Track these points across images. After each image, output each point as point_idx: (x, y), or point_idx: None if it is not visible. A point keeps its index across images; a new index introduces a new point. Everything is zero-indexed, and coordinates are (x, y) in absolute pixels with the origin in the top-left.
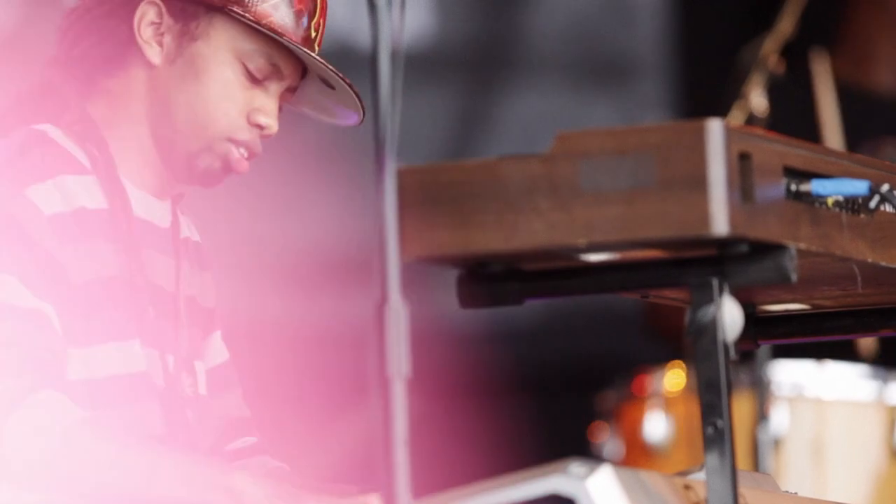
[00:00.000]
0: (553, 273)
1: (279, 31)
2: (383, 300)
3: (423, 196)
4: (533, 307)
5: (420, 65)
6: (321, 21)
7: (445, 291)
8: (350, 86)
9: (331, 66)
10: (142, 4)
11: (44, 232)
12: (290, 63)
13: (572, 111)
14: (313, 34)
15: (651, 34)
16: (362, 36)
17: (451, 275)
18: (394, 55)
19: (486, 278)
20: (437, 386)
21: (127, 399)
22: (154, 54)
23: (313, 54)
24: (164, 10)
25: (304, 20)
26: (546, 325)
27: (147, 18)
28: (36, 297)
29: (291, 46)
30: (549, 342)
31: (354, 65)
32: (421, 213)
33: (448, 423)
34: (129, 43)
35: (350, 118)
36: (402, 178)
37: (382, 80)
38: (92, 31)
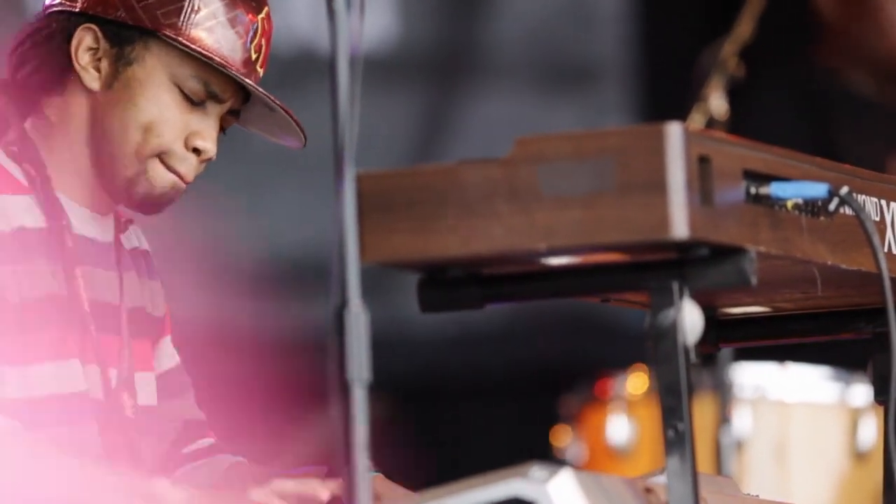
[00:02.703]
0: (513, 277)
1: (212, 54)
2: (343, 305)
3: (383, 201)
4: (494, 311)
5: (382, 69)
6: (263, 41)
7: (406, 295)
8: (287, 111)
9: (263, 91)
10: (78, 30)
11: None
12: (228, 86)
13: (534, 116)
14: (254, 55)
15: (612, 39)
16: (324, 41)
17: (412, 279)
18: (352, 60)
19: (446, 282)
20: (398, 390)
21: (66, 419)
22: (92, 80)
23: (247, 80)
24: (100, 34)
25: (244, 42)
26: (508, 328)
27: (84, 44)
28: None
29: (226, 71)
30: (510, 346)
31: (316, 70)
32: (381, 217)
33: (409, 427)
34: (69, 68)
35: (293, 141)
36: (362, 182)
37: (341, 85)
38: (32, 56)
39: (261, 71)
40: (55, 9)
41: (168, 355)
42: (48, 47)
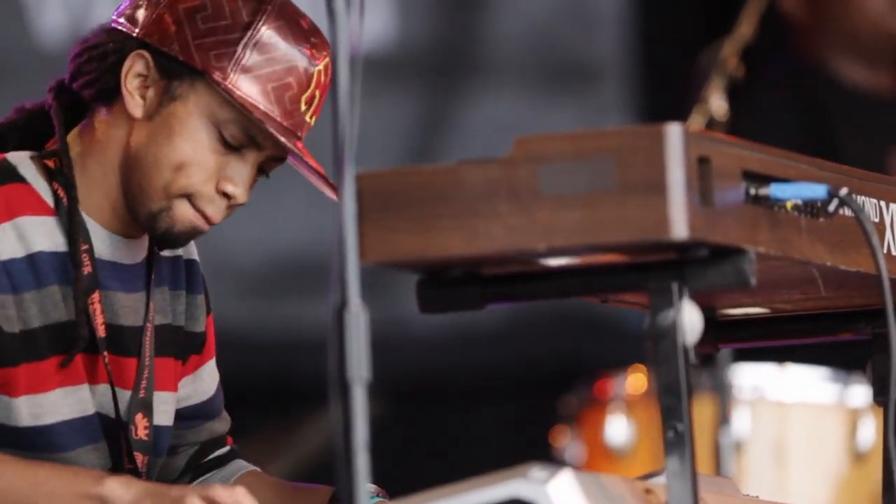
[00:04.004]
0: (513, 277)
1: (256, 103)
2: (343, 304)
3: (384, 200)
4: (494, 311)
5: (382, 69)
6: (318, 93)
7: (405, 295)
8: (321, 173)
9: (297, 150)
10: (132, 55)
11: None
12: (270, 135)
13: (533, 116)
14: (303, 108)
15: (611, 39)
16: None
17: (412, 279)
18: (352, 60)
19: (446, 283)
20: (397, 390)
21: (75, 444)
22: (136, 107)
23: (284, 136)
24: (152, 63)
25: (294, 93)
26: (507, 328)
27: (135, 69)
28: None
29: (262, 126)
30: (510, 346)
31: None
32: (381, 217)
33: (408, 427)
34: (117, 90)
35: (331, 192)
36: (362, 182)
37: (341, 84)
38: (87, 69)
39: (310, 121)
40: (117, 26)
41: (211, 379)
42: (102, 65)
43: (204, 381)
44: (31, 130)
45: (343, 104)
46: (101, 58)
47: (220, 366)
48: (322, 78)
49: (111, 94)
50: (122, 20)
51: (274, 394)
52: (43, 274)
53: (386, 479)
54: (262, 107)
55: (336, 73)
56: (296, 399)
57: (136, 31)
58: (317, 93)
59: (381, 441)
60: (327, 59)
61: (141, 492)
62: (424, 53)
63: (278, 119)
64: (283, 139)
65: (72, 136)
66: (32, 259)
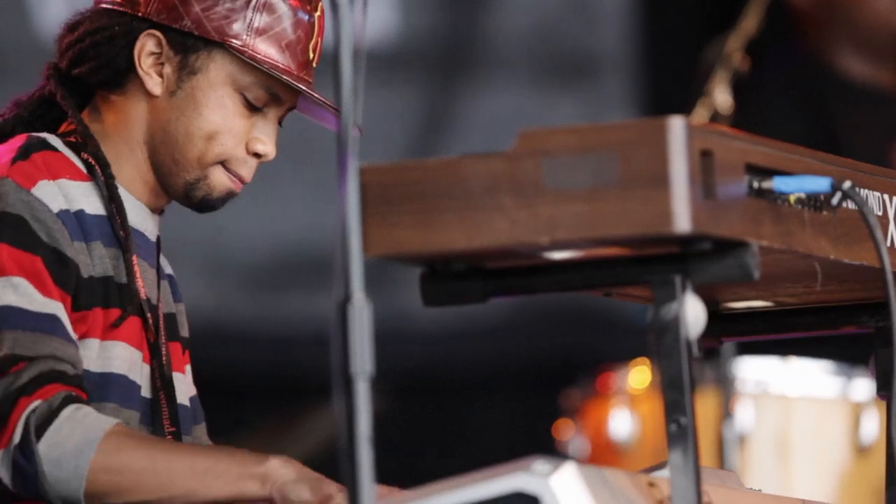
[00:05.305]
0: (516, 271)
1: (277, 62)
2: (346, 298)
3: (387, 194)
4: (497, 305)
5: (384, 63)
6: (319, 40)
7: (409, 289)
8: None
9: (321, 97)
10: (142, 35)
11: (54, 228)
12: (290, 90)
13: (536, 110)
14: (311, 56)
15: (615, 32)
16: (328, 34)
17: (415, 272)
18: (356, 54)
19: (449, 276)
20: (400, 384)
21: (108, 396)
22: (154, 85)
23: (309, 88)
24: (164, 41)
25: (304, 45)
26: (510, 322)
27: (147, 49)
28: (46, 297)
29: (290, 83)
30: (513, 339)
31: (319, 63)
32: (384, 211)
33: (411, 421)
34: (129, 71)
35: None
36: (365, 176)
37: (344, 78)
38: (93, 55)
39: (315, 66)
40: (109, 6)
41: (188, 384)
42: (110, 48)
43: (180, 384)
44: (37, 121)
45: (346, 98)
46: (108, 41)
47: (224, 360)
48: (321, 23)
49: (122, 76)
50: (116, 1)
51: (277, 388)
52: (87, 230)
53: (389, 472)
54: (281, 65)
55: (339, 66)
56: (299, 393)
57: (140, 11)
58: (319, 40)
59: (385, 435)
60: (321, 4)
61: (301, 472)
62: (427, 47)
63: (296, 72)
64: (314, 93)
65: (86, 118)
66: (78, 215)
